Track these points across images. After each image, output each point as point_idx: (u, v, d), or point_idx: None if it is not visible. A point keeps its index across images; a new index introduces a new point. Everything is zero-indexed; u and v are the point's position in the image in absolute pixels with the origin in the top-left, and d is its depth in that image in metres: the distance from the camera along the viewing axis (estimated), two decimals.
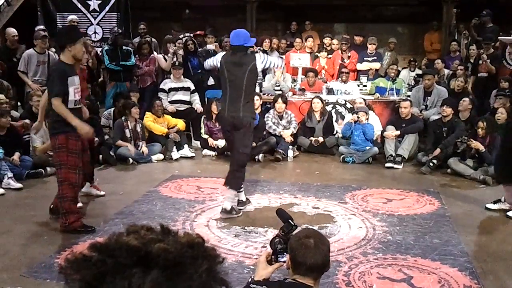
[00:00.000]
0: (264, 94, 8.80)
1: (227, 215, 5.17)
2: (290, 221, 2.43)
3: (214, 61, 5.35)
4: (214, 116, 8.21)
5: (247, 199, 5.60)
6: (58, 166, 4.81)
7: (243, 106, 5.15)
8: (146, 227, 0.88)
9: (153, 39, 10.13)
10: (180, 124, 8.25)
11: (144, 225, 0.89)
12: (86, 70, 6.19)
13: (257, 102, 7.81)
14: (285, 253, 2.34)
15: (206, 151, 8.12)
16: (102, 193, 5.95)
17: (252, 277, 2.40)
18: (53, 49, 8.15)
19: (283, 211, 2.58)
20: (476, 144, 6.78)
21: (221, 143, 8.04)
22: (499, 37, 6.52)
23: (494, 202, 5.58)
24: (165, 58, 9.21)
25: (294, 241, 2.26)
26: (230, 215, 5.19)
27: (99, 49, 9.52)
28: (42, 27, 9.09)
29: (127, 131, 7.58)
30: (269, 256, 2.39)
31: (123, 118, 7.62)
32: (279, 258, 2.37)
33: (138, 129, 7.68)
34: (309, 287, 2.20)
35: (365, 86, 9.51)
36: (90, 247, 0.84)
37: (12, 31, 8.66)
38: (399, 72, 10.05)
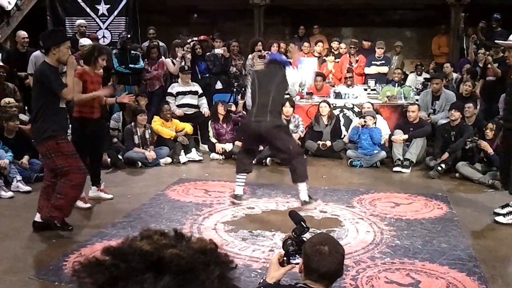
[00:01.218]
0: None
1: (308, 206, 5.49)
2: (302, 223, 2.44)
3: (249, 88, 5.70)
4: (221, 118, 8.25)
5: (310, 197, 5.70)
6: (61, 170, 4.70)
7: (270, 114, 5.42)
8: (160, 232, 0.88)
9: (162, 44, 10.18)
10: (188, 127, 8.28)
11: (157, 230, 0.89)
12: (101, 75, 6.21)
13: None
14: (297, 255, 2.34)
15: (213, 155, 8.14)
16: (110, 196, 5.98)
17: (264, 278, 2.40)
18: None
19: (295, 213, 2.59)
20: (485, 145, 6.74)
21: (228, 146, 8.07)
22: (495, 41, 6.46)
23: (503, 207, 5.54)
24: (173, 62, 9.25)
25: (308, 247, 2.23)
26: (311, 205, 5.52)
27: None
28: None
29: (135, 137, 7.61)
30: (281, 257, 2.40)
31: (132, 124, 7.66)
32: (291, 260, 2.37)
33: (147, 135, 7.71)
34: None
35: (373, 90, 9.49)
36: (103, 251, 0.84)
37: (22, 33, 8.70)
38: (406, 75, 10.00)
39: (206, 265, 0.83)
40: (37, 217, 4.89)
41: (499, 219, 5.32)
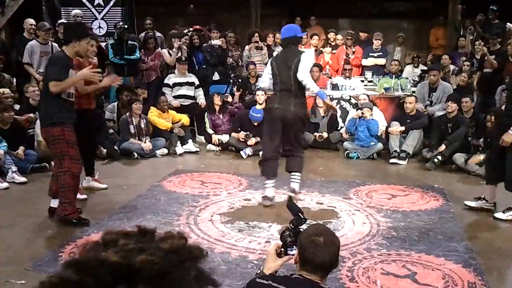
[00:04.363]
0: (269, 89, 8.76)
1: (295, 194, 5.50)
2: (300, 214, 2.45)
3: (266, 76, 5.54)
4: (217, 109, 8.22)
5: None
6: (59, 156, 4.80)
7: (294, 102, 5.32)
8: (123, 233, 0.83)
9: (160, 34, 10.11)
10: (185, 119, 8.26)
11: (120, 232, 0.83)
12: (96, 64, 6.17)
13: (262, 97, 7.82)
14: (294, 246, 2.35)
15: (210, 146, 8.12)
16: (104, 186, 5.97)
17: (261, 269, 2.41)
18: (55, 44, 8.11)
19: (293, 205, 2.60)
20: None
21: (225, 137, 8.05)
22: (508, 23, 6.41)
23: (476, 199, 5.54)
24: (169, 53, 9.20)
25: (303, 237, 2.24)
26: (297, 195, 5.54)
27: (103, 44, 9.52)
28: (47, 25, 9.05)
29: (131, 127, 7.59)
30: (279, 248, 2.40)
31: (127, 114, 7.63)
32: (288, 251, 2.37)
33: (142, 125, 7.68)
34: (315, 283, 2.18)
35: (370, 81, 9.48)
36: (65, 265, 0.78)
37: (30, 21, 8.51)
38: (402, 68, 9.97)
39: (180, 263, 0.79)
40: (52, 203, 4.99)
41: (499, 215, 5.24)
